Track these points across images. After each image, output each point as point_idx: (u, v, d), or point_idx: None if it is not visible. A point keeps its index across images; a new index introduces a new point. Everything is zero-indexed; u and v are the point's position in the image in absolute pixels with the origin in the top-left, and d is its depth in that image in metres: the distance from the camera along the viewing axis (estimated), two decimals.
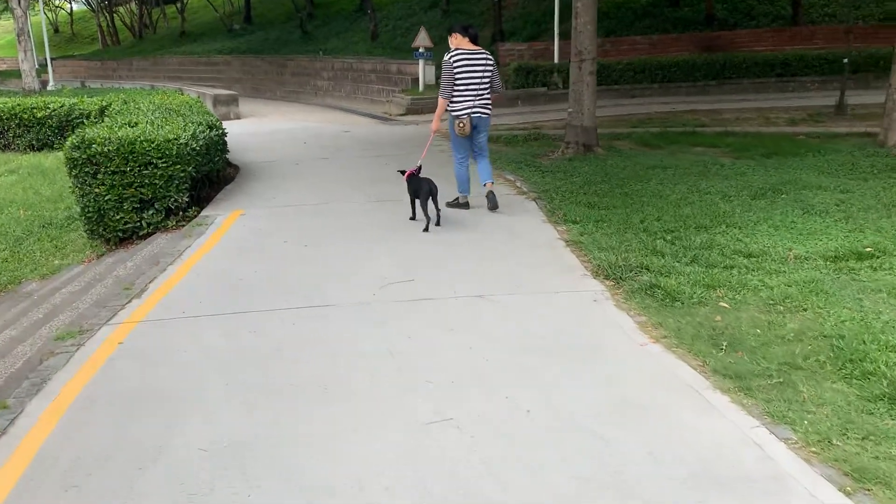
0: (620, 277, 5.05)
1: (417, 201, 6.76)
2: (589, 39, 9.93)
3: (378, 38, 25.78)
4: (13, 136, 13.82)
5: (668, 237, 5.95)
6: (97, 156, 7.15)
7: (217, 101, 17.90)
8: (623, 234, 6.11)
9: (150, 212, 7.42)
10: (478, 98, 6.96)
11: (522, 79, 17.89)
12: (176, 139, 7.45)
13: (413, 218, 6.91)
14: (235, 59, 28.83)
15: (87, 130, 7.70)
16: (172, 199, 7.45)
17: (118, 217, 7.32)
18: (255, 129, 15.23)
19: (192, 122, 8.64)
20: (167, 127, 8.03)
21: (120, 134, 7.35)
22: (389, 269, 5.57)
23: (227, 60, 29.24)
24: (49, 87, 24.61)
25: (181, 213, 7.61)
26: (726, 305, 4.55)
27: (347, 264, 5.73)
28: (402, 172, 6.94)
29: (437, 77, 19.01)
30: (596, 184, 8.18)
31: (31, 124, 13.70)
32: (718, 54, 18.06)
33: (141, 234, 7.46)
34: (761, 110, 14.28)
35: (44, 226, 8.97)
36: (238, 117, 17.71)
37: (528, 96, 17.64)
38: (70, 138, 7.42)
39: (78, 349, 4.34)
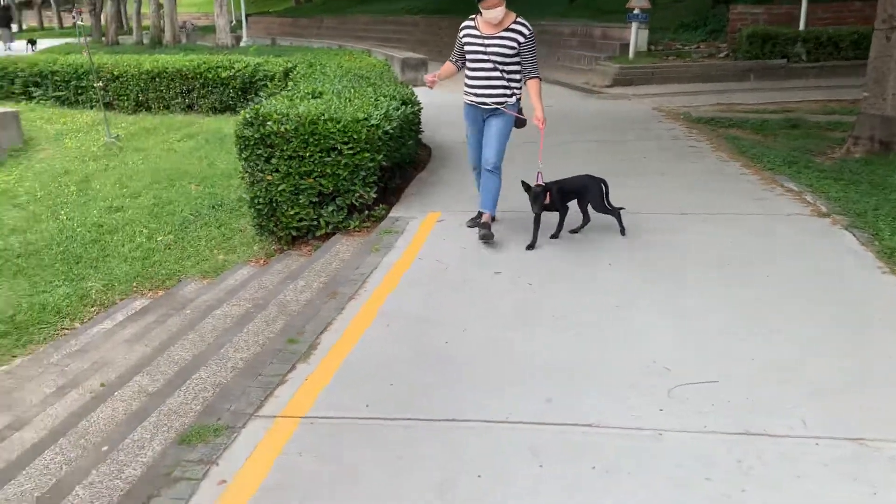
0: None
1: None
2: None
3: (576, 0, 23.39)
4: (197, 97, 13.09)
5: None
6: (272, 136, 5.76)
7: (406, 64, 16.51)
8: None
9: (331, 208, 5.96)
10: None
11: (757, 48, 14.95)
12: (366, 119, 5.89)
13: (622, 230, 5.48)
14: (423, 20, 27.49)
15: (262, 104, 6.34)
16: (357, 195, 5.93)
17: (292, 212, 5.94)
18: (444, 98, 13.51)
19: (384, 96, 7.08)
20: (356, 101, 6.51)
21: (300, 110, 5.90)
22: (665, 347, 3.64)
23: (415, 21, 27.96)
24: (242, 44, 24.53)
25: (366, 211, 6.10)
26: None
27: (596, 332, 3.86)
28: (534, 189, 5.28)
29: (650, 43, 16.53)
30: None
31: (215, 85, 12.88)
32: None
33: (318, 233, 6.04)
34: None
35: (213, 206, 7.86)
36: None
37: (761, 69, 14.74)
38: (242, 113, 6.09)
39: (203, 478, 2.76)
